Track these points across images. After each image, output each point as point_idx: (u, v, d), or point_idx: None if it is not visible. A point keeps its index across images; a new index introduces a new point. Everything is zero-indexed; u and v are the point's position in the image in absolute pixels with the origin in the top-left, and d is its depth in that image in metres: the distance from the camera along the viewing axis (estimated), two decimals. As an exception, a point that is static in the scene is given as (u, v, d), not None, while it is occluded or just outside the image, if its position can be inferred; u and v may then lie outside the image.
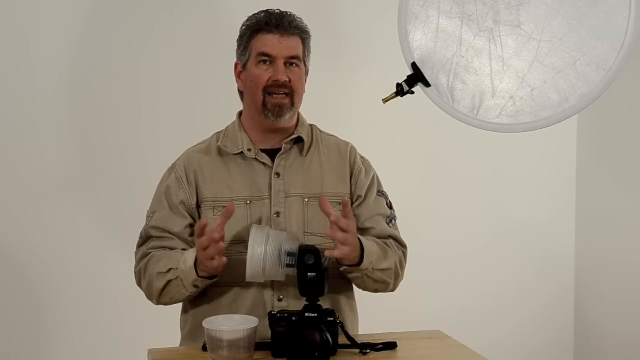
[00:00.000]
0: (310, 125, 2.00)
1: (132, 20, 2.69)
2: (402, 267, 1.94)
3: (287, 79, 1.86)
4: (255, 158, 1.91)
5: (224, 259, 1.73)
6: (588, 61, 1.77)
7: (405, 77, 1.90)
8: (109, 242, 2.68)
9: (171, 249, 1.88)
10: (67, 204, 2.66)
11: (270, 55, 1.86)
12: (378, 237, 1.93)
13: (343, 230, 1.71)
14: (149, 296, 1.90)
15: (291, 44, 1.87)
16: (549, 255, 3.20)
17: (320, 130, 2.02)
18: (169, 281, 1.81)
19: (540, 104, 1.81)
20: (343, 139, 2.03)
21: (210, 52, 2.74)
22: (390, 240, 1.95)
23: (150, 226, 1.91)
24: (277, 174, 1.90)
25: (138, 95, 2.71)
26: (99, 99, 2.68)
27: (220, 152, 1.93)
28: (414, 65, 1.89)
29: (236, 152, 1.91)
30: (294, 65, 1.89)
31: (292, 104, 1.89)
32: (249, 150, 1.91)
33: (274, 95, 1.87)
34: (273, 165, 1.91)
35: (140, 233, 1.95)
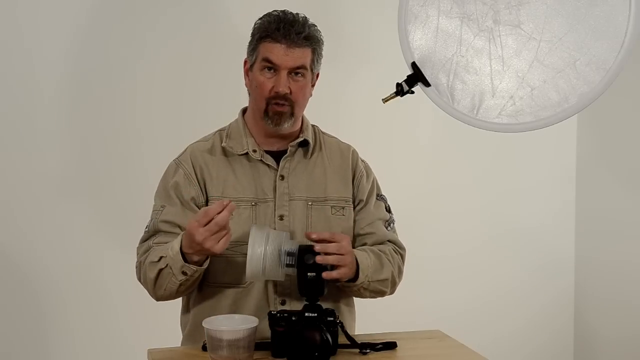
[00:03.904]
0: (313, 126, 2.00)
1: (132, 21, 2.69)
2: (400, 272, 1.95)
3: (288, 91, 1.84)
4: (261, 160, 1.90)
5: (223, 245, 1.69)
6: (588, 61, 1.76)
7: (405, 77, 1.89)
8: (108, 243, 2.68)
9: None
10: (67, 204, 2.66)
11: (275, 64, 1.84)
12: (377, 243, 1.94)
13: (337, 252, 1.72)
14: (148, 290, 1.86)
15: (297, 55, 1.85)
16: (549, 255, 3.20)
17: (322, 132, 2.02)
18: (160, 270, 1.77)
19: (540, 104, 1.81)
20: (344, 142, 2.03)
21: (209, 54, 2.74)
22: (389, 245, 1.95)
23: (162, 220, 1.87)
24: (282, 177, 1.90)
25: (137, 96, 2.71)
26: (98, 100, 2.68)
27: (225, 152, 1.92)
28: (414, 65, 1.89)
29: (241, 153, 1.90)
30: (299, 75, 1.86)
31: (292, 113, 1.87)
32: (254, 151, 1.90)
33: (276, 105, 1.86)
34: (278, 167, 1.90)
35: (147, 227, 1.90)
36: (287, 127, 1.88)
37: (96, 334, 2.71)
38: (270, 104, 1.86)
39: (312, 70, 1.90)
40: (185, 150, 1.96)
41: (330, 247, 1.72)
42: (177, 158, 1.95)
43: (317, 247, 1.70)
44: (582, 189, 3.19)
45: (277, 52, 1.84)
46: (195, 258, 1.73)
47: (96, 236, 2.70)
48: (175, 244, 1.74)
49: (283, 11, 1.89)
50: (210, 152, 1.93)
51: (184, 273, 1.74)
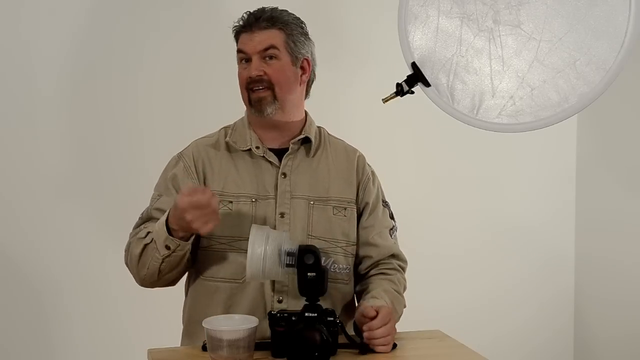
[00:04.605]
0: (319, 127, 2.00)
1: (132, 21, 2.69)
2: (405, 289, 1.98)
3: (262, 73, 1.86)
4: (263, 156, 1.91)
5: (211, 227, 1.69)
6: (588, 61, 1.76)
7: (405, 77, 1.89)
8: (109, 243, 2.68)
9: None
10: (67, 204, 2.66)
11: (244, 52, 1.89)
12: (382, 256, 1.95)
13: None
14: (132, 273, 1.85)
15: (262, 38, 1.87)
16: (549, 255, 3.20)
17: (328, 133, 2.02)
18: (145, 245, 1.77)
19: (540, 104, 1.81)
20: (351, 145, 2.03)
21: (210, 54, 2.73)
22: (393, 262, 1.97)
23: (155, 208, 1.88)
24: (284, 174, 1.90)
25: (138, 96, 2.71)
26: (99, 100, 2.68)
27: (229, 147, 1.93)
28: (414, 65, 1.89)
29: (244, 148, 1.91)
30: (273, 58, 1.88)
31: (275, 97, 1.88)
32: (257, 148, 1.91)
33: (254, 91, 1.88)
34: (280, 165, 1.90)
35: (141, 214, 1.91)
36: (271, 112, 1.89)
37: (96, 334, 2.71)
38: (251, 92, 1.88)
39: (289, 51, 1.90)
40: (189, 145, 1.97)
41: (378, 332, 1.71)
42: (180, 152, 1.96)
43: (366, 334, 1.71)
44: (582, 188, 3.20)
45: (244, 40, 1.89)
46: (181, 234, 1.73)
47: (96, 236, 2.70)
48: (162, 218, 1.74)
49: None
50: (214, 147, 1.94)
51: (167, 247, 1.73)
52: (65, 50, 2.63)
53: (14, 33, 2.59)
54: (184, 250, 1.76)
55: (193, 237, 1.77)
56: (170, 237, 1.72)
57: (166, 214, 1.74)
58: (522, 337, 3.16)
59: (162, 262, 1.76)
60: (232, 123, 1.99)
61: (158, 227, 1.74)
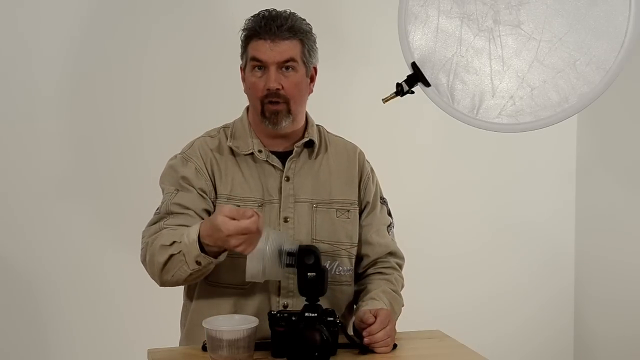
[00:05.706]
0: (317, 125, 1.99)
1: (132, 21, 2.69)
2: (402, 287, 1.98)
3: (280, 87, 1.82)
4: (267, 160, 1.89)
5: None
6: (588, 61, 1.77)
7: (405, 77, 1.89)
8: (108, 243, 2.68)
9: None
10: (67, 204, 2.66)
11: (262, 61, 1.82)
12: (380, 255, 1.95)
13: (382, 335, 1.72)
14: (152, 274, 1.77)
15: (283, 49, 1.82)
16: (549, 254, 3.20)
17: (327, 132, 2.01)
18: (171, 255, 1.68)
19: (540, 104, 1.81)
20: (351, 142, 2.02)
21: (210, 54, 2.74)
22: (391, 260, 1.97)
23: (174, 202, 1.81)
24: (287, 178, 1.88)
25: (138, 96, 2.71)
26: (98, 100, 2.68)
27: (232, 151, 1.90)
28: (414, 65, 1.89)
29: (247, 152, 1.89)
30: (290, 69, 1.84)
31: (289, 111, 1.85)
32: (260, 152, 1.88)
33: (271, 104, 1.83)
34: (283, 168, 1.89)
35: (158, 210, 1.84)
36: (285, 125, 1.86)
37: (96, 334, 2.71)
38: (264, 104, 1.84)
39: (305, 63, 1.87)
40: (192, 144, 1.93)
41: (378, 336, 1.71)
42: (184, 152, 1.91)
43: (366, 340, 1.70)
44: (582, 188, 3.20)
45: (263, 48, 1.82)
46: (214, 249, 1.65)
47: (96, 236, 2.70)
48: (192, 232, 1.66)
49: (267, 9, 1.87)
50: (218, 150, 1.90)
51: (197, 263, 1.66)
52: (65, 50, 2.64)
53: (14, 33, 2.59)
54: (214, 264, 1.70)
55: (226, 252, 1.69)
56: (203, 255, 1.64)
57: (197, 229, 1.65)
58: (522, 337, 3.16)
59: (191, 274, 1.69)
60: (230, 123, 1.96)
61: (188, 242, 1.65)
